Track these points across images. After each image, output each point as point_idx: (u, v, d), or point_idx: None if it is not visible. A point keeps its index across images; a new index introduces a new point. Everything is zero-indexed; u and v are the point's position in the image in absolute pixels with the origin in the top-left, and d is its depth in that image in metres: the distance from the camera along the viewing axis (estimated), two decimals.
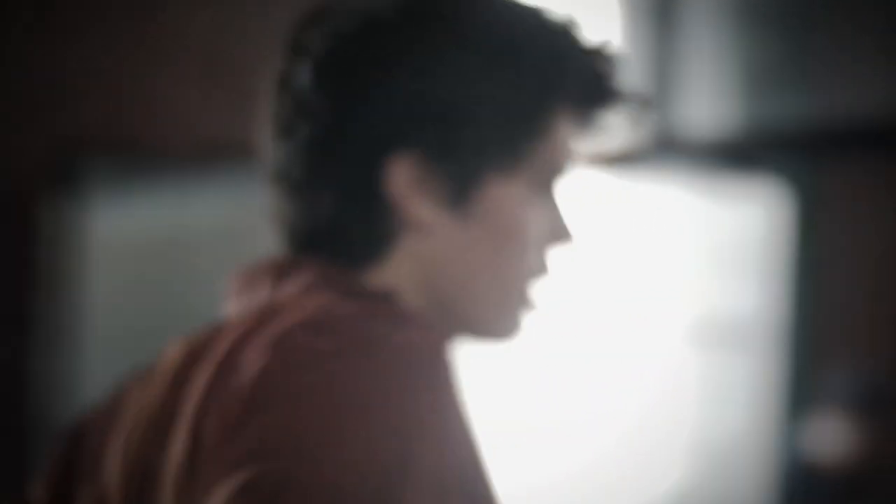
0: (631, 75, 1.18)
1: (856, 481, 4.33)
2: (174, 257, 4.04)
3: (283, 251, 1.17)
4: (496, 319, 1.17)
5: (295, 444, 0.96)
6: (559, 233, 1.17)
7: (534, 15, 1.15)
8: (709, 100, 4.32)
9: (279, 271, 1.14)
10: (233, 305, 1.16)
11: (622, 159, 3.99)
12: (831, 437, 4.27)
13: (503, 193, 1.14)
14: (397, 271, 1.14)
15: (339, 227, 1.14)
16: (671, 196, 4.40)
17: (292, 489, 0.95)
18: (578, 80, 1.15)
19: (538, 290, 1.17)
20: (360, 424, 0.96)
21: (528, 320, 1.18)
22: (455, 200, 1.13)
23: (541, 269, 1.17)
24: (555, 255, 1.17)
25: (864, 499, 4.37)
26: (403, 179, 1.12)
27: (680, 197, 4.40)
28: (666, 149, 4.32)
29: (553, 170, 1.16)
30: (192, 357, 1.10)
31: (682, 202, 4.39)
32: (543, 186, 1.16)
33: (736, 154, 4.55)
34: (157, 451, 1.09)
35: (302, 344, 1.00)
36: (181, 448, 1.05)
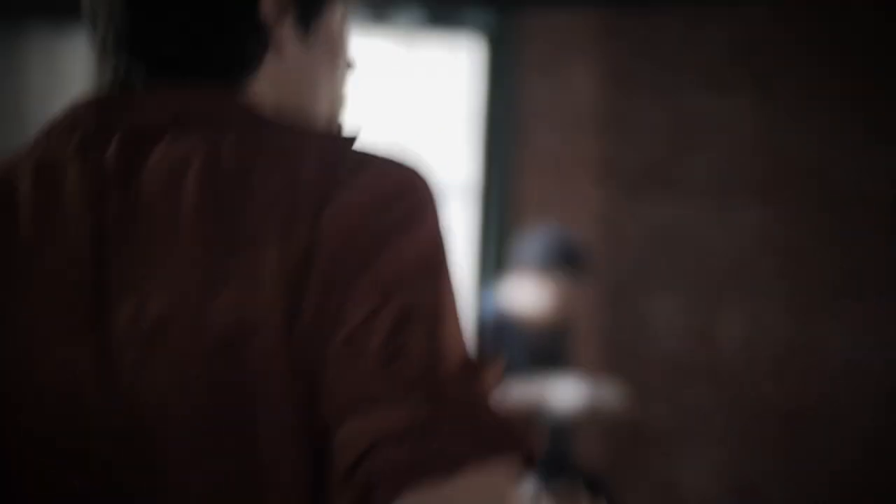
0: None
1: (545, 334, 4.39)
2: None
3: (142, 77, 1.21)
4: None
5: (421, 273, 1.10)
6: (350, 60, 1.29)
7: None
8: None
9: (190, 99, 1.20)
10: (85, 127, 1.19)
11: None
12: (525, 293, 4.28)
13: (336, 17, 1.25)
14: (260, 90, 1.22)
15: (212, 52, 1.21)
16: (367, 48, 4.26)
17: (439, 309, 1.09)
18: None
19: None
20: (444, 247, 1.13)
21: None
22: (307, 24, 1.23)
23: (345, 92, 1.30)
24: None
25: (553, 350, 4.44)
26: (272, 4, 1.20)
27: (377, 50, 4.27)
28: None
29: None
30: (129, 161, 1.16)
31: (379, 56, 4.26)
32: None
33: (434, 7, 4.44)
34: (123, 261, 1.13)
35: (384, 184, 1.12)
36: (183, 259, 1.11)
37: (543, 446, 1.11)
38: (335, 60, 1.26)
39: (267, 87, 1.22)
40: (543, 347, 4.42)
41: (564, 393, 4.24)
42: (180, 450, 1.11)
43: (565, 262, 4.30)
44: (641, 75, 4.88)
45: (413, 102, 4.26)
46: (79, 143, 1.18)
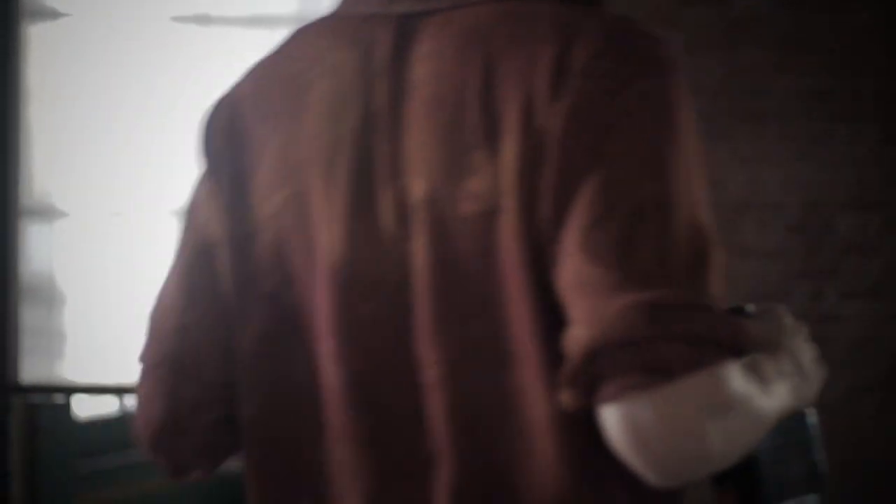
0: None
1: None
2: None
3: None
4: None
5: (653, 166, 1.14)
6: None
7: None
8: None
9: None
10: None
11: None
12: None
13: None
14: None
15: None
16: None
17: (671, 202, 1.15)
18: None
19: None
20: (681, 131, 1.17)
21: None
22: None
23: None
24: None
25: None
26: None
27: None
28: None
29: None
30: (397, 51, 1.28)
31: None
32: None
33: None
34: (389, 148, 1.26)
35: (617, 71, 1.17)
36: (438, 147, 1.22)
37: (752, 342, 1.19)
38: None
39: None
40: None
41: None
42: (431, 312, 1.22)
43: None
44: None
45: None
46: (356, 27, 1.31)
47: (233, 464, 1.48)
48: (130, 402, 5.49)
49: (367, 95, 1.28)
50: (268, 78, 1.37)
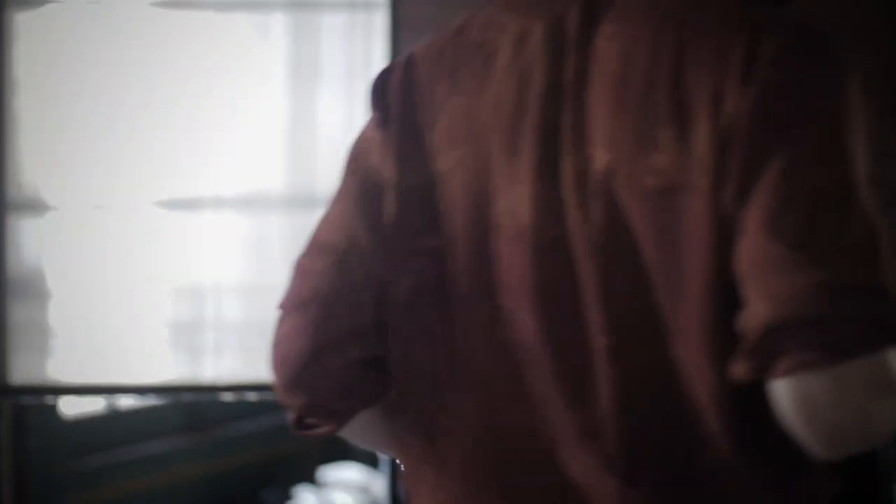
0: None
1: None
2: None
3: None
4: None
5: (831, 156, 1.23)
6: None
7: None
8: None
9: None
10: None
11: None
12: None
13: None
14: None
15: None
16: None
17: (845, 192, 1.23)
18: None
19: None
20: (850, 124, 1.26)
21: None
22: None
23: None
24: None
25: None
26: None
27: None
28: None
29: None
30: (586, 26, 1.34)
31: None
32: None
33: None
34: (574, 116, 1.32)
35: (801, 64, 1.26)
36: (623, 121, 1.28)
37: None
38: None
39: None
40: None
41: None
42: (603, 281, 1.28)
43: None
44: None
45: None
46: (546, 1, 1.37)
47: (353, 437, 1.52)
48: (120, 401, 5.39)
49: (554, 66, 1.34)
50: (451, 43, 1.44)
